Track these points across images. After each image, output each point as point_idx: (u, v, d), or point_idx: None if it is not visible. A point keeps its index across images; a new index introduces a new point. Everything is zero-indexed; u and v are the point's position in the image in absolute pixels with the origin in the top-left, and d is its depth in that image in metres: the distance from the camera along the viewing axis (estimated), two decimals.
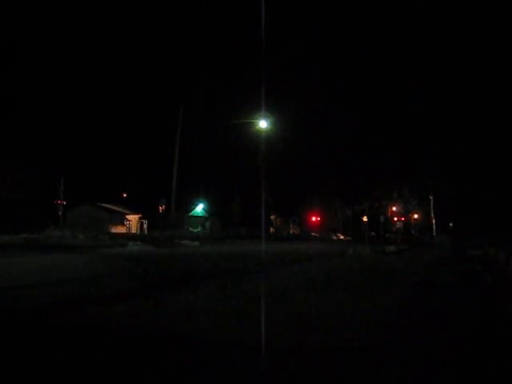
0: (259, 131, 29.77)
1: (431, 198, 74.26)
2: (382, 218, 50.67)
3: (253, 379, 4.96)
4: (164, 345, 6.14)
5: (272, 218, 68.02)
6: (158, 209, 65.82)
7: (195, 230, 66.29)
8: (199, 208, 72.11)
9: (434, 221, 76.74)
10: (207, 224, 69.44)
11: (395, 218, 62.43)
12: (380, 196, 72.03)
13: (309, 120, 63.71)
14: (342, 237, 74.90)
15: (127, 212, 62.25)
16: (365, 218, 58.56)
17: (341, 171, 67.91)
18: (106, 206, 60.22)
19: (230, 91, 68.31)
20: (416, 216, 76.71)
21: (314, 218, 73.97)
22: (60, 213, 54.22)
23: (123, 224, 59.85)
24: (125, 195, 72.45)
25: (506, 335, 7.39)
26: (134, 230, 60.22)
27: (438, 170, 65.81)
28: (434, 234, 69.79)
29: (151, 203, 64.97)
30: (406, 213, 71.66)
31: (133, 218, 62.44)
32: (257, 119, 28.75)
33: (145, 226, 61.27)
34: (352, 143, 71.48)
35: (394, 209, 66.64)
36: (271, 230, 66.14)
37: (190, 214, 71.87)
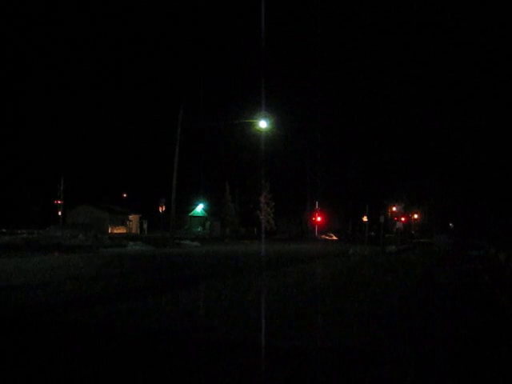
0: (259, 131, 29.73)
1: (431, 198, 74.33)
2: (381, 218, 50.54)
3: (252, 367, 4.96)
4: (163, 344, 6.12)
5: (271, 218, 68.04)
6: (158, 209, 65.69)
7: (195, 230, 66.27)
8: (199, 208, 72.11)
9: (434, 221, 76.78)
10: (207, 224, 69.43)
11: (395, 218, 62.33)
12: (380, 196, 72.10)
13: (309, 120, 63.85)
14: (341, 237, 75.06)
15: (127, 212, 62.19)
16: (365, 218, 58.45)
17: (340, 171, 68.01)
18: (107, 205, 60.14)
19: (229, 91, 68.43)
20: (416, 216, 76.66)
21: (313, 219, 73.96)
22: (60, 213, 54.27)
23: (123, 224, 59.82)
24: (125, 195, 72.45)
25: (506, 334, 7.38)
26: (134, 230, 60.16)
27: (439, 171, 65.92)
28: (434, 234, 69.76)
29: (151, 203, 64.93)
30: (405, 213, 71.61)
31: (133, 218, 62.38)
32: (257, 119, 28.70)
33: (145, 226, 61.21)
34: (352, 143, 71.63)
35: (394, 209, 66.56)
36: (270, 230, 66.11)
37: (190, 214, 71.86)
